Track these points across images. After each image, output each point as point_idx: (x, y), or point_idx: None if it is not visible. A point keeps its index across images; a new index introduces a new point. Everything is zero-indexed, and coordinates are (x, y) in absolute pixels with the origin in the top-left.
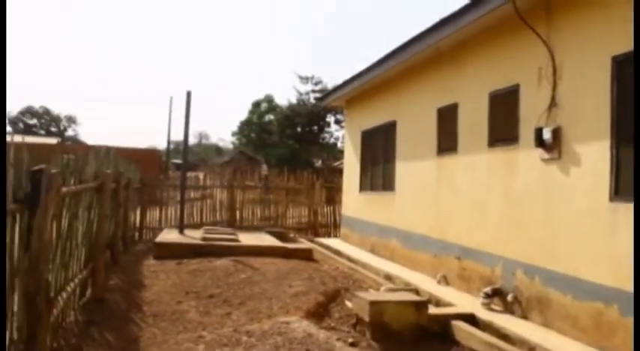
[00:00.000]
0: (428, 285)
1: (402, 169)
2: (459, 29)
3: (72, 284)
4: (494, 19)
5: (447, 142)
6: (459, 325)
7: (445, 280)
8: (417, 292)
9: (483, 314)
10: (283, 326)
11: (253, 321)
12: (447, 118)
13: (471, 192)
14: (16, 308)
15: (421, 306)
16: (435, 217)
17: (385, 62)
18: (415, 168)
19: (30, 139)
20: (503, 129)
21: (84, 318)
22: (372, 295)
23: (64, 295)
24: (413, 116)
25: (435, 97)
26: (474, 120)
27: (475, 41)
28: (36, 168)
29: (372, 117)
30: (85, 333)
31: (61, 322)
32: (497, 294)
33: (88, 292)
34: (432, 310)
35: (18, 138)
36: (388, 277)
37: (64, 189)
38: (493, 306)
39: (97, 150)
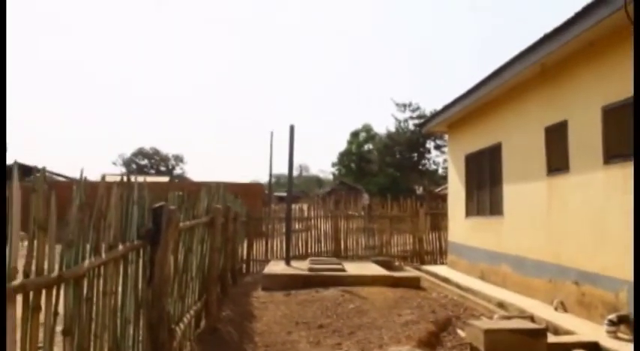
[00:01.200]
0: (544, 312)
1: (510, 192)
2: (566, 43)
3: (188, 315)
4: (604, 29)
5: (557, 161)
6: None
7: (563, 307)
8: (532, 319)
9: (609, 343)
10: None
11: None
12: (556, 136)
13: (586, 212)
14: (140, 338)
15: (539, 334)
16: (547, 240)
17: (487, 83)
18: (524, 190)
19: (143, 179)
20: (620, 144)
21: (199, 348)
22: (486, 324)
23: (182, 326)
24: (519, 137)
25: (542, 115)
26: (586, 136)
27: (582, 55)
28: (157, 205)
29: (476, 140)
30: None
31: None
32: (623, 321)
33: (202, 323)
34: (552, 338)
35: (140, 178)
36: (501, 305)
37: (180, 224)
38: (620, 334)
39: (207, 186)
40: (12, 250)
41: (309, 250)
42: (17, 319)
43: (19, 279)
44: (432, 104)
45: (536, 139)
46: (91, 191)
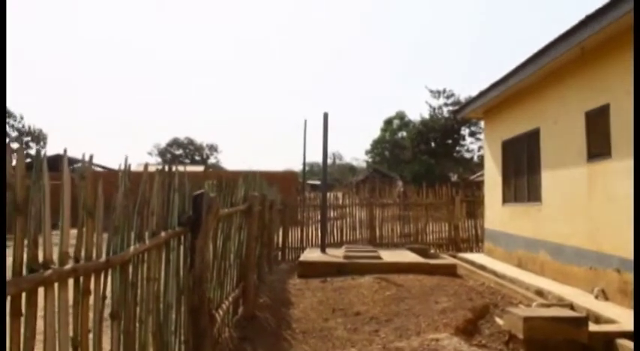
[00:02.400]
0: (584, 300)
1: (549, 178)
2: (608, 25)
3: (227, 302)
4: None
5: (598, 146)
6: (625, 344)
7: (604, 295)
8: (571, 307)
9: None
10: (433, 343)
11: (402, 338)
12: (597, 120)
13: (630, 198)
14: (182, 323)
15: (580, 322)
16: (588, 227)
17: (525, 67)
18: (563, 176)
19: (184, 168)
20: None
21: (238, 334)
22: (524, 311)
23: (221, 312)
24: (558, 122)
25: (582, 99)
26: (629, 120)
27: (626, 36)
28: (197, 192)
29: (513, 126)
30: (239, 348)
31: (217, 337)
32: None
33: (240, 309)
34: (592, 327)
35: (180, 168)
36: (539, 293)
37: (220, 211)
38: None
39: (244, 174)
40: (63, 236)
41: (344, 238)
42: (69, 302)
43: (70, 263)
44: (467, 91)
45: (576, 123)
46: (133, 181)
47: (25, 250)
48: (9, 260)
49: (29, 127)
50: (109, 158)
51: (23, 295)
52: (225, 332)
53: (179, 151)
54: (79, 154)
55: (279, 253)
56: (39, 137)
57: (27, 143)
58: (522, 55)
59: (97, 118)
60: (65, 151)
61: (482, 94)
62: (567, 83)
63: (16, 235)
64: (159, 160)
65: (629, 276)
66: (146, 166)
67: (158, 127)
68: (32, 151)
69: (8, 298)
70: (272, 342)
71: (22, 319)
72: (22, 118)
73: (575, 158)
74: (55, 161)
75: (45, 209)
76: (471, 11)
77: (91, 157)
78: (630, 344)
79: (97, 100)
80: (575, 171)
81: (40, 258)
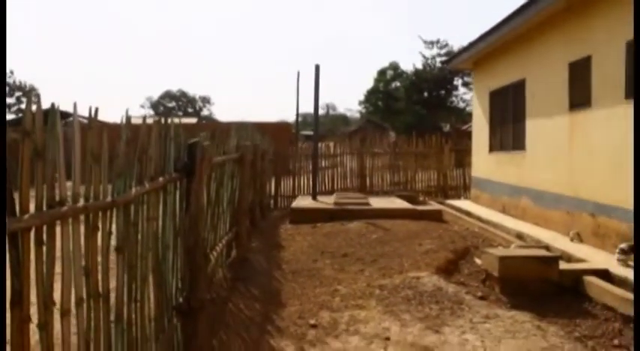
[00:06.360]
0: (560, 242)
1: (533, 127)
2: None
3: (220, 245)
4: None
5: (579, 97)
6: (592, 281)
7: (579, 238)
8: (547, 249)
9: (619, 270)
10: (414, 281)
11: (385, 277)
12: (580, 72)
13: (606, 146)
14: (179, 262)
15: (551, 261)
16: (567, 174)
17: (512, 19)
18: (546, 125)
19: (179, 120)
20: None
21: (231, 275)
22: (501, 251)
23: (215, 253)
24: (543, 73)
25: (566, 51)
26: (609, 72)
27: None
28: (192, 141)
29: (501, 76)
30: (232, 287)
31: (212, 277)
32: (634, 250)
33: (233, 252)
34: (563, 265)
35: (176, 120)
36: (519, 236)
37: (213, 159)
38: (630, 262)
39: (236, 126)
40: (76, 179)
41: (336, 187)
42: (82, 235)
43: (81, 202)
44: (461, 41)
45: (560, 74)
46: (131, 132)
47: (45, 190)
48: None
49: (20, 83)
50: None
51: (44, 227)
52: (219, 273)
53: (172, 104)
54: (70, 109)
55: (272, 201)
56: (30, 92)
57: (18, 98)
58: (514, 6)
59: (87, 71)
60: (54, 105)
61: (471, 45)
62: (553, 35)
63: (37, 178)
64: (151, 112)
65: (603, 219)
66: (144, 117)
67: (150, 80)
68: (23, 107)
69: (33, 229)
70: (263, 281)
71: (44, 248)
72: (12, 73)
73: (558, 108)
74: (46, 116)
75: (59, 155)
76: None
77: (97, 110)
78: (597, 281)
79: (86, 53)
80: (558, 120)
81: (57, 197)
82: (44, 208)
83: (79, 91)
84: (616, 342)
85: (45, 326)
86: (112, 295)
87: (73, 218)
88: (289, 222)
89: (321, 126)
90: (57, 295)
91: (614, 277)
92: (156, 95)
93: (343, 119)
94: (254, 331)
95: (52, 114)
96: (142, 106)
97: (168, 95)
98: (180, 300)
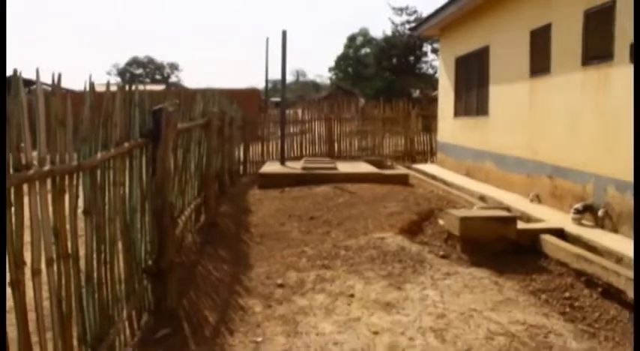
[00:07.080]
0: (520, 204)
1: (496, 93)
2: None
3: (188, 209)
4: None
5: (539, 63)
6: (547, 239)
7: (538, 199)
8: (508, 210)
9: (573, 229)
10: (378, 241)
11: (351, 238)
12: (540, 39)
13: (563, 112)
14: (147, 226)
15: (509, 221)
16: (528, 138)
17: None
18: (508, 91)
19: (144, 87)
20: (597, 47)
21: (200, 239)
22: (463, 212)
23: (183, 218)
24: (506, 40)
25: (528, 19)
26: (567, 39)
27: None
28: (156, 107)
29: (466, 43)
30: (201, 251)
31: (181, 242)
32: (588, 210)
33: (202, 217)
34: (521, 225)
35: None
36: (482, 198)
37: (179, 125)
38: (584, 221)
39: (202, 92)
40: (41, 143)
41: (304, 152)
42: (49, 199)
43: (47, 166)
44: (429, 9)
45: (521, 42)
46: (95, 99)
47: (10, 155)
48: None
49: None
50: (67, 81)
51: (12, 189)
52: (188, 237)
53: (139, 71)
54: (32, 75)
55: (242, 167)
56: None
57: None
58: None
59: (50, 35)
60: (16, 71)
61: (437, 11)
62: (516, 3)
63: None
64: (118, 79)
65: (559, 181)
66: (108, 83)
67: (116, 46)
68: None
69: None
70: (232, 244)
71: (12, 209)
72: None
73: (519, 74)
74: (9, 82)
75: (24, 121)
76: None
77: (59, 76)
78: (552, 239)
79: (50, 14)
80: (519, 86)
81: (23, 161)
82: (11, 172)
83: (43, 59)
84: (567, 294)
85: (17, 284)
86: (83, 258)
87: (39, 181)
88: (258, 187)
89: (291, 92)
90: (28, 256)
91: (569, 236)
92: (122, 62)
93: (313, 86)
94: (223, 291)
95: (15, 81)
96: (109, 73)
97: (135, 62)
98: (150, 262)
